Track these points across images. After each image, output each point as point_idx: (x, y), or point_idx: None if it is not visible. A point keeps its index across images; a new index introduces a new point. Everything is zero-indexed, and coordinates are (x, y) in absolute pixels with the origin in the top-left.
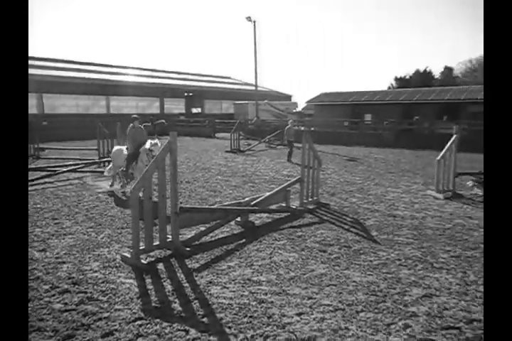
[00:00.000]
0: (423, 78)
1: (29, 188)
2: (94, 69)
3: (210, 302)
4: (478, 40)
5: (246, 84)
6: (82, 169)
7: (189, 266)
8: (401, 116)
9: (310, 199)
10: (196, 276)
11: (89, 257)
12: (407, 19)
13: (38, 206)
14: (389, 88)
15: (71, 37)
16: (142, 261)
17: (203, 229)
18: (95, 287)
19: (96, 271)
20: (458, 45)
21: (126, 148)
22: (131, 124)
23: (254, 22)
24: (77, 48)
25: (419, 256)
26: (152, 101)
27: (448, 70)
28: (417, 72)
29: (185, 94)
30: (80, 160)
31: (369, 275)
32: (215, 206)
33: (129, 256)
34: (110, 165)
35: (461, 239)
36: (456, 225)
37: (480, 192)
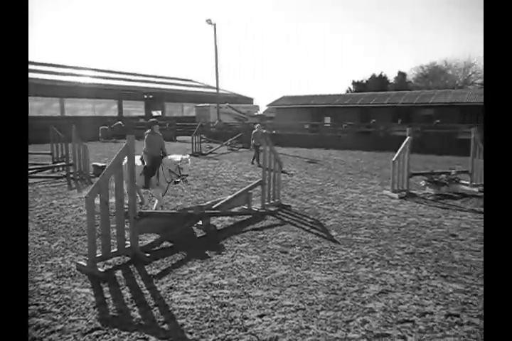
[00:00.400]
0: (379, 82)
1: None
2: (46, 70)
3: (170, 309)
4: (429, 46)
5: (208, 86)
6: (34, 174)
7: (149, 273)
8: (359, 119)
9: (271, 202)
10: (156, 282)
11: (42, 267)
12: (363, 21)
13: None
14: (347, 92)
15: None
16: (99, 269)
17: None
18: (48, 298)
19: (49, 282)
20: (410, 50)
21: (141, 159)
22: (149, 130)
23: (215, 25)
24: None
25: (376, 254)
26: (110, 104)
27: (401, 75)
28: (373, 76)
29: (145, 96)
30: (34, 165)
31: (329, 274)
32: (175, 210)
33: (85, 264)
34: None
35: (414, 236)
36: (410, 223)
37: (432, 191)
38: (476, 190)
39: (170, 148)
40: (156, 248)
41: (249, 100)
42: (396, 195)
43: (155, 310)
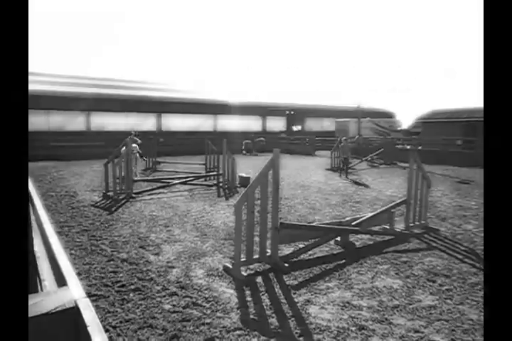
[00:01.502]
0: None
1: (147, 197)
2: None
3: (307, 322)
4: None
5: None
6: (191, 181)
7: (287, 283)
8: None
9: (416, 223)
10: (294, 293)
11: (195, 264)
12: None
13: (154, 214)
14: None
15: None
16: (243, 272)
17: (301, 246)
18: (199, 293)
19: (201, 278)
20: None
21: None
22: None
23: None
24: None
25: None
26: (256, 120)
27: None
28: None
29: (287, 112)
30: (192, 173)
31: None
32: (314, 224)
33: (230, 266)
34: None
35: None
36: None
37: None
38: None
39: (308, 163)
40: (294, 259)
41: (390, 115)
42: None
43: (292, 321)
